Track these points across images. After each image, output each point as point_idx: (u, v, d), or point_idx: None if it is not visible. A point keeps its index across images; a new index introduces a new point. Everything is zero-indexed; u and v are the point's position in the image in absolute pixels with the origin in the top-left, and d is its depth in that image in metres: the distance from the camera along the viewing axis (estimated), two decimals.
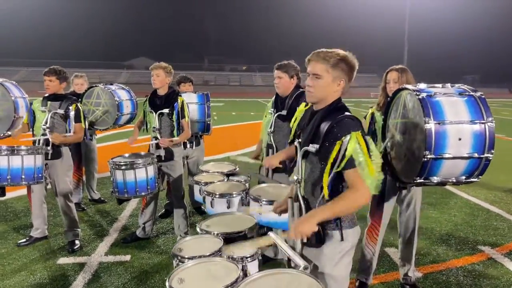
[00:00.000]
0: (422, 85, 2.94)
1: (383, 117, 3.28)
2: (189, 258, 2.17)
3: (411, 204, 3.49)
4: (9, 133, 4.75)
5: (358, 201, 1.92)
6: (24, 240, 4.51)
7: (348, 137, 1.93)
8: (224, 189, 3.27)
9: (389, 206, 3.47)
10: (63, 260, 4.11)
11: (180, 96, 4.49)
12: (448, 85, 2.97)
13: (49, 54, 50.04)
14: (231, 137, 12.75)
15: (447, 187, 6.72)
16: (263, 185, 3.27)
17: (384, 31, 67.01)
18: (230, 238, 2.42)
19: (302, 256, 2.11)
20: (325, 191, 1.99)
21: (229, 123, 16.02)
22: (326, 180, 1.99)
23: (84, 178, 5.95)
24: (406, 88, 2.96)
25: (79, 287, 3.58)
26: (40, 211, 4.56)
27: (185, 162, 5.29)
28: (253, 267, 2.18)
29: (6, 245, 4.45)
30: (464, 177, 2.79)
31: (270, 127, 3.70)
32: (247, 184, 3.45)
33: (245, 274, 2.09)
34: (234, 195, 3.12)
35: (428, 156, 2.64)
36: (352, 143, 1.93)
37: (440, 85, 2.96)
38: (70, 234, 4.43)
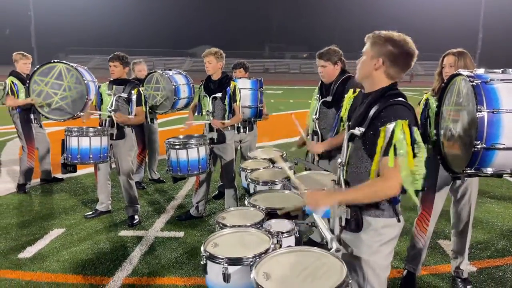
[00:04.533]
0: (479, 71, 2.79)
1: (437, 103, 3.17)
2: (230, 226, 2.33)
3: (465, 195, 3.35)
4: (82, 114, 5.16)
5: (385, 191, 1.88)
6: (91, 213, 4.93)
7: (393, 124, 1.87)
8: (267, 176, 3.36)
9: (440, 196, 3.36)
10: (123, 233, 4.46)
11: (233, 81, 4.62)
12: (510, 70, 2.79)
13: (119, 42, 52.89)
14: (286, 124, 12.77)
15: None
16: (304, 172, 3.31)
17: (456, 17, 62.72)
18: (273, 214, 2.55)
19: (340, 240, 2.14)
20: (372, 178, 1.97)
21: (286, 110, 16.04)
22: (374, 169, 1.96)
23: (146, 159, 6.33)
24: (460, 74, 2.83)
25: (136, 258, 3.87)
26: (105, 187, 4.94)
27: (238, 146, 5.45)
28: (289, 242, 2.25)
29: (75, 217, 4.90)
30: None
31: (315, 114, 3.68)
32: (291, 171, 3.50)
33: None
34: (277, 182, 3.20)
35: (479, 146, 2.52)
36: (397, 131, 1.86)
37: (499, 71, 2.80)
38: (130, 209, 4.77)
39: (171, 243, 4.20)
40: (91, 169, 6.39)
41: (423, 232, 3.41)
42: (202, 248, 2.07)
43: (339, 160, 2.19)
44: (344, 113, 3.34)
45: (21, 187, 5.79)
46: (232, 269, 1.92)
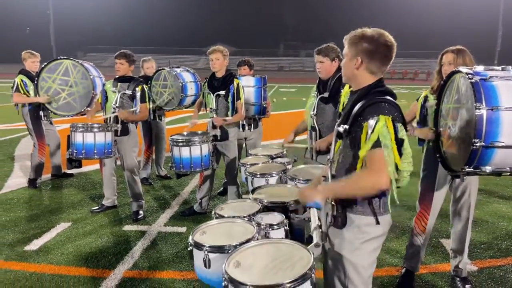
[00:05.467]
0: (478, 68, 2.76)
1: (436, 101, 3.14)
2: (228, 217, 2.47)
3: (464, 193, 3.31)
4: (89, 109, 5.25)
5: (372, 183, 1.83)
6: (97, 207, 5.03)
7: (375, 119, 1.87)
8: (264, 170, 3.41)
9: (439, 195, 3.34)
10: (127, 227, 4.54)
11: (237, 78, 4.65)
12: (510, 67, 2.75)
13: (135, 41, 53.59)
14: (296, 122, 12.76)
15: None
16: (301, 166, 3.35)
17: (475, 13, 61.42)
18: (270, 207, 2.66)
19: (327, 235, 2.16)
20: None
21: (297, 108, 16.01)
22: (360, 166, 1.95)
23: (153, 156, 6.42)
24: (459, 71, 2.80)
25: (138, 252, 3.95)
26: (110, 183, 5.03)
27: (244, 144, 5.48)
28: (278, 235, 2.33)
29: (82, 211, 5.01)
30: None
31: (313, 110, 3.71)
32: (289, 166, 3.54)
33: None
34: (273, 175, 3.23)
35: (478, 144, 2.50)
36: (380, 125, 1.85)
37: (499, 68, 2.76)
38: (135, 204, 4.85)
39: (173, 238, 4.26)
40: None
41: (422, 231, 3.39)
42: (190, 237, 2.18)
43: (328, 157, 2.21)
44: (341, 108, 3.36)
45: (31, 182, 5.94)
46: (212, 256, 2.04)
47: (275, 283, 1.65)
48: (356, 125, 1.95)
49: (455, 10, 62.58)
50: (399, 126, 1.91)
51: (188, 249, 2.16)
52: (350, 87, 3.17)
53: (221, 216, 2.49)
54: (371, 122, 1.88)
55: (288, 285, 1.63)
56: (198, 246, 2.08)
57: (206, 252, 2.03)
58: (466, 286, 3.33)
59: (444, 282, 3.46)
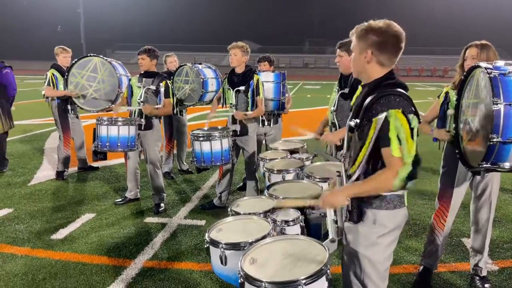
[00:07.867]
0: (499, 63, 2.71)
1: (456, 97, 3.09)
2: (241, 214, 2.46)
3: (485, 191, 3.25)
4: (113, 106, 5.41)
5: (390, 181, 1.85)
6: (120, 199, 5.18)
7: (384, 114, 1.86)
8: (282, 166, 3.43)
9: (459, 192, 3.28)
10: (148, 219, 4.66)
11: (256, 74, 4.69)
12: None
13: (161, 39, 54.47)
14: (318, 119, 12.67)
15: None
16: (318, 163, 3.35)
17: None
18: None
19: (342, 231, 2.17)
20: (354, 168, 2.01)
21: (321, 105, 15.90)
22: (360, 158, 1.97)
23: (175, 150, 6.54)
24: (479, 66, 2.76)
25: (158, 243, 4.05)
26: (134, 176, 5.17)
27: (263, 139, 5.52)
28: (294, 231, 2.34)
29: (106, 203, 5.17)
30: None
31: (334, 106, 3.69)
32: (307, 162, 3.55)
33: None
34: (290, 171, 3.26)
35: (495, 140, 2.47)
36: (392, 120, 1.85)
37: None
38: (156, 197, 4.97)
39: (192, 231, 4.35)
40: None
41: (441, 228, 3.35)
42: (206, 234, 2.20)
43: (341, 152, 2.22)
44: (353, 102, 3.35)
45: (59, 174, 6.16)
46: (228, 253, 2.05)
47: (290, 279, 1.65)
48: (366, 119, 1.95)
49: (493, 5, 60.52)
50: (411, 116, 1.89)
51: (205, 246, 2.18)
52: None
53: (237, 213, 2.50)
54: (381, 117, 1.88)
55: (304, 281, 1.63)
56: (214, 243, 2.10)
57: (222, 249, 2.04)
58: (486, 285, 3.28)
59: (463, 281, 3.40)
